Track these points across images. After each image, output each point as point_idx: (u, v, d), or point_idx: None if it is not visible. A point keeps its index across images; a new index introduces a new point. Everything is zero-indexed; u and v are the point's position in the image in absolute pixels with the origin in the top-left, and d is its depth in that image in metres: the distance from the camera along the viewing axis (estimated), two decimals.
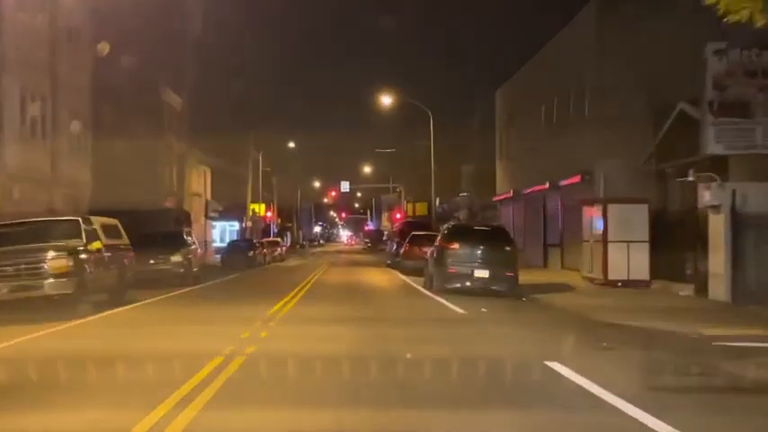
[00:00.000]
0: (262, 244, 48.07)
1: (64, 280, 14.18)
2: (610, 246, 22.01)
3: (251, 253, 41.99)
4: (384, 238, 78.39)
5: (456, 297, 18.70)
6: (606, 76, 26.58)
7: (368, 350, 10.47)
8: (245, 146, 58.77)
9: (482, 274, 19.64)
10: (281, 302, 17.51)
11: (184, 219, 42.20)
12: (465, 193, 55.87)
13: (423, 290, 22.14)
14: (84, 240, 15.37)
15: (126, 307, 16.66)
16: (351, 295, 20.63)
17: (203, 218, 53.71)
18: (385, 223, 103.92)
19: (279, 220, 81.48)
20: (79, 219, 15.95)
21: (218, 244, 56.35)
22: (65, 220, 16.48)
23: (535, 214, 35.45)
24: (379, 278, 29.89)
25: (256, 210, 64.98)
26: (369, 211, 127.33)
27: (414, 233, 33.78)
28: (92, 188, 32.63)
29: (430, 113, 44.97)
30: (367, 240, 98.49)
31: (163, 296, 19.75)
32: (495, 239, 20.47)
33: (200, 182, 53.90)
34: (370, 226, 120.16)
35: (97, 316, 14.77)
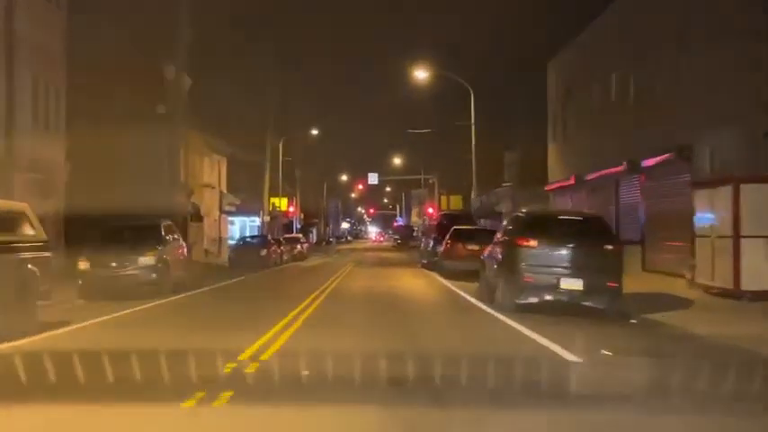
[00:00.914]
0: (278, 241, 42.49)
1: None
2: (743, 243, 15.69)
3: (263, 251, 36.30)
4: (414, 234, 72.93)
5: (535, 320, 12.65)
6: (713, 24, 20.41)
7: None
8: (268, 135, 53.15)
9: (573, 284, 13.34)
10: (272, 331, 11.23)
11: (194, 212, 36.58)
12: (508, 183, 50.39)
13: (480, 304, 15.95)
14: None
15: (8, 344, 9.76)
16: (378, 318, 14.07)
17: (217, 212, 48.46)
18: (415, 219, 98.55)
19: (302, 216, 75.89)
20: None
21: (234, 241, 50.92)
22: None
23: (604, 204, 29.08)
24: (416, 284, 23.74)
25: (277, 204, 59.51)
26: (398, 207, 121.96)
27: (455, 227, 28.13)
28: (69, 173, 27.36)
29: (471, 90, 39.23)
30: (396, 237, 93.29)
31: (109, 316, 13.58)
32: (589, 234, 14.02)
33: (213, 172, 48.53)
34: (400, 222, 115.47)
35: None
